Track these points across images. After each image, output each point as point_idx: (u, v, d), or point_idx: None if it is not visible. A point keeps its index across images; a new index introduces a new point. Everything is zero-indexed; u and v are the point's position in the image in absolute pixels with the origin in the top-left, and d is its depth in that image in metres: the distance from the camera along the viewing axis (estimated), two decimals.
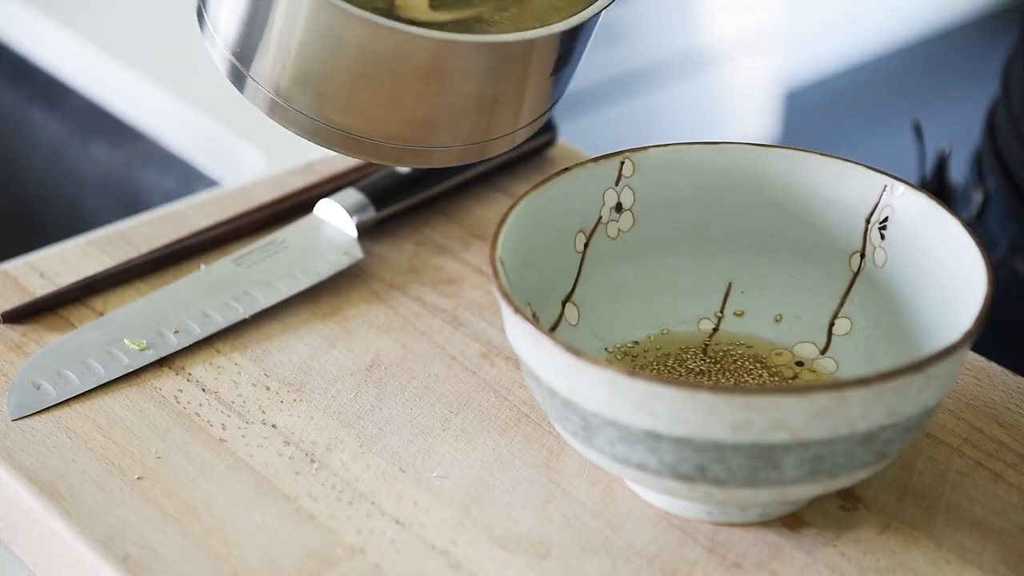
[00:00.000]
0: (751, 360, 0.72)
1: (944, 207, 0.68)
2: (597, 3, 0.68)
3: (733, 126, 2.45)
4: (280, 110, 0.68)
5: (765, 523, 0.66)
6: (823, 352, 0.72)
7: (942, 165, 1.06)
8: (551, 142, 0.92)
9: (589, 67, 1.98)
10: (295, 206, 0.86)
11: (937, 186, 1.06)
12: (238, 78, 0.68)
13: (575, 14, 0.67)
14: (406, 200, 0.85)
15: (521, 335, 0.62)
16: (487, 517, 0.66)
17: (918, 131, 1.06)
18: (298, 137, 0.70)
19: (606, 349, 0.72)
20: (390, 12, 0.68)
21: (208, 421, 0.71)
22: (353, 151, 0.69)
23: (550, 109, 0.72)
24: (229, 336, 0.77)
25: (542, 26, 0.66)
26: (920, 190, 0.70)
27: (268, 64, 0.67)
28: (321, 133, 0.68)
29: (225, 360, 0.75)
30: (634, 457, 0.61)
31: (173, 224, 0.85)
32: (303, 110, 0.67)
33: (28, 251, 0.85)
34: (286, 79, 0.66)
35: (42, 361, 0.73)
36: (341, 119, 0.67)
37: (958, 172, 1.09)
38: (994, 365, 0.75)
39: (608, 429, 0.61)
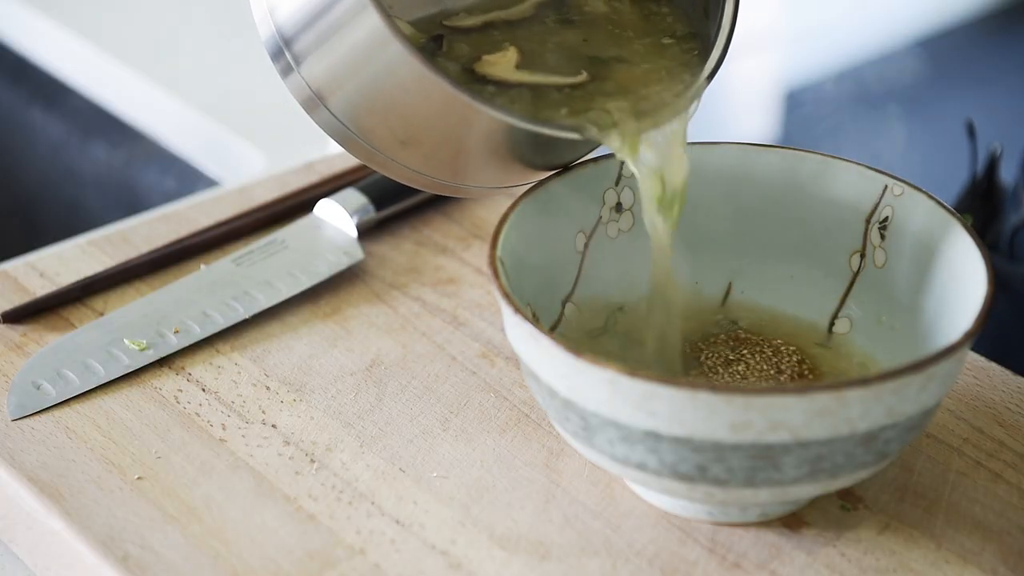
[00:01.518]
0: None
1: (944, 207, 0.68)
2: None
3: (733, 126, 2.44)
4: (316, 109, 0.66)
5: (765, 523, 0.66)
6: None
7: (993, 165, 1.05)
8: None
9: None
10: (295, 206, 0.86)
11: (987, 186, 1.05)
12: (281, 61, 0.66)
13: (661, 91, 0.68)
14: (406, 200, 0.85)
15: (521, 335, 0.62)
16: (487, 517, 0.66)
17: (971, 130, 1.06)
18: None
19: None
20: (470, 67, 0.67)
21: (208, 421, 0.71)
22: (379, 168, 0.68)
23: None
24: (229, 336, 0.77)
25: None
26: (919, 190, 0.70)
27: (321, 70, 0.65)
28: (351, 144, 0.67)
29: (225, 360, 0.75)
30: (634, 457, 0.61)
31: (173, 224, 0.85)
32: (345, 121, 0.66)
33: (28, 251, 0.85)
34: (335, 91, 0.65)
35: (42, 361, 0.73)
36: (379, 143, 0.66)
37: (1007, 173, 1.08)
38: (994, 365, 0.75)
39: (608, 429, 0.61)
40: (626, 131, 0.66)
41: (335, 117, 0.66)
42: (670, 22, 0.71)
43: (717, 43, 0.69)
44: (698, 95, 0.68)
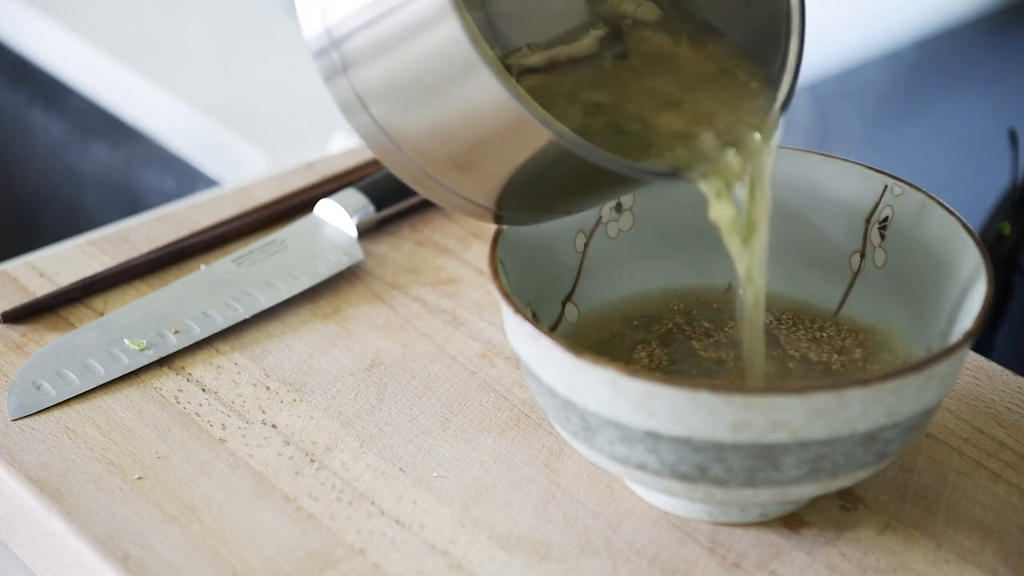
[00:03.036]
0: None
1: (944, 207, 0.68)
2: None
3: None
4: (358, 115, 0.61)
5: (765, 523, 0.66)
6: None
7: None
8: None
9: None
10: (295, 206, 0.86)
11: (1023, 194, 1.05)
12: (324, 61, 0.60)
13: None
14: (406, 200, 0.85)
15: (521, 335, 0.62)
16: (487, 517, 0.66)
17: (1013, 138, 1.05)
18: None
19: None
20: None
21: (208, 421, 0.71)
22: (419, 189, 0.63)
23: None
24: (229, 336, 0.77)
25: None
26: (919, 190, 0.70)
27: (376, 82, 0.59)
28: (395, 161, 0.62)
29: (225, 360, 0.75)
30: (634, 457, 0.61)
31: (173, 224, 0.85)
32: (395, 139, 0.60)
33: (28, 251, 0.85)
34: (390, 106, 0.59)
35: (42, 361, 0.73)
36: (432, 166, 0.61)
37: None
38: (994, 365, 0.75)
39: (608, 429, 0.61)
40: (730, 172, 0.63)
41: (383, 132, 0.60)
42: (740, 70, 0.67)
43: (784, 78, 0.65)
44: (776, 127, 0.65)
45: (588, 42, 0.67)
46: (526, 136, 0.58)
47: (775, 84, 0.65)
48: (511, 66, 0.66)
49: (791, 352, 0.70)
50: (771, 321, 0.72)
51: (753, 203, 0.64)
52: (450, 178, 0.61)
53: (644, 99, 0.65)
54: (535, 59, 0.66)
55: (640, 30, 0.68)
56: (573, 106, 0.64)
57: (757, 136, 0.63)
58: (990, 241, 1.05)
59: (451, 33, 0.56)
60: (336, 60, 0.60)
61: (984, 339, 1.05)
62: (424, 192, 0.63)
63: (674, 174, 0.62)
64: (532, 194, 0.62)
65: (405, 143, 0.60)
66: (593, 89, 0.65)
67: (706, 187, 0.62)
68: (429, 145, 0.60)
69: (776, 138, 0.64)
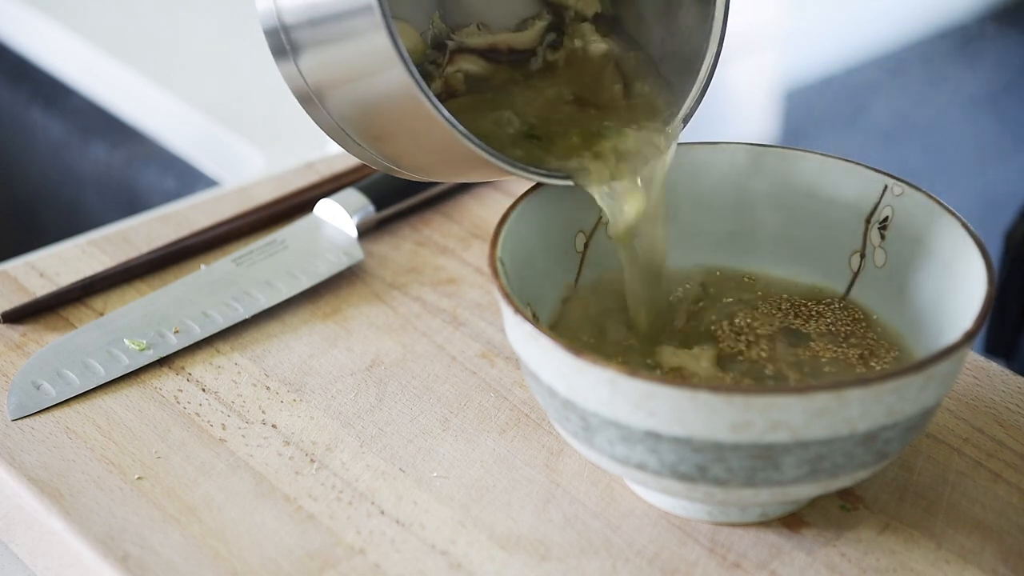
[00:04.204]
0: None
1: (944, 207, 0.68)
2: None
3: (733, 126, 2.44)
4: (311, 104, 0.67)
5: (765, 523, 0.66)
6: None
7: None
8: None
9: None
10: (295, 206, 0.86)
11: None
12: (280, 53, 0.66)
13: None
14: (406, 200, 0.85)
15: (521, 335, 0.62)
16: (487, 517, 0.66)
17: None
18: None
19: None
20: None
21: (208, 421, 0.71)
22: (365, 161, 0.69)
23: None
24: (229, 336, 0.77)
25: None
26: (919, 190, 0.70)
27: (320, 72, 0.65)
28: (340, 139, 0.68)
29: (225, 360, 0.75)
30: (634, 457, 0.61)
31: (173, 224, 0.85)
32: (336, 119, 0.66)
33: (28, 251, 0.85)
34: (334, 95, 0.65)
35: (42, 361, 0.73)
36: (371, 143, 0.67)
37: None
38: (994, 365, 0.75)
39: (608, 429, 0.61)
40: (607, 178, 0.68)
41: (324, 109, 0.66)
42: (650, 88, 0.73)
43: (695, 89, 0.71)
44: (675, 137, 0.70)
45: (531, 35, 0.72)
46: (431, 126, 0.63)
47: (677, 105, 0.71)
48: (449, 43, 0.71)
49: (787, 349, 0.70)
50: (770, 315, 0.72)
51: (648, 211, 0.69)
52: (367, 141, 0.67)
53: (554, 104, 0.71)
54: (477, 40, 0.71)
55: (578, 24, 0.73)
56: (490, 107, 0.70)
57: (647, 153, 0.69)
58: (1017, 241, 1.05)
59: (377, 36, 0.61)
60: (287, 51, 0.65)
61: (1009, 343, 1.04)
62: (342, 145, 0.69)
63: (565, 178, 0.68)
64: (441, 167, 0.68)
65: (329, 105, 0.66)
66: (514, 89, 0.71)
67: (594, 192, 0.68)
68: (351, 114, 0.66)
69: (669, 155, 0.69)
